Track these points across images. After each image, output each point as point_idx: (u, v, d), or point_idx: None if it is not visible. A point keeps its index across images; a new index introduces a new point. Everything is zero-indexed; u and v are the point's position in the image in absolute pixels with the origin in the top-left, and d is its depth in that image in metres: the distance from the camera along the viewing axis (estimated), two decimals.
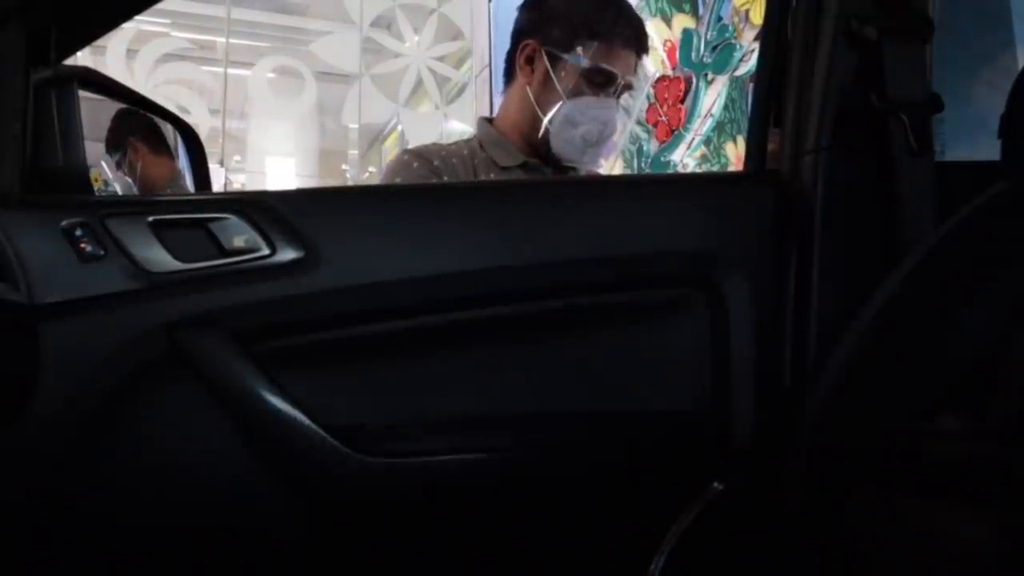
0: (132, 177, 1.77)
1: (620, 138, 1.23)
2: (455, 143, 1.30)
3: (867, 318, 0.65)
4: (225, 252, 0.71)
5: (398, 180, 1.19)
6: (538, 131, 1.19)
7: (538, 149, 1.21)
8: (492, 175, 1.20)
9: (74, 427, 0.69)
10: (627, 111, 1.26)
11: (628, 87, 1.20)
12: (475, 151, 1.24)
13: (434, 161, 1.20)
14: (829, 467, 0.66)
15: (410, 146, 1.29)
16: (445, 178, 1.19)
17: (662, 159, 3.79)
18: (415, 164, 1.20)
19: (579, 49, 1.16)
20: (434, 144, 1.29)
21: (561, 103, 1.16)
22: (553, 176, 1.22)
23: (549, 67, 1.17)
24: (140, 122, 1.79)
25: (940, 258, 0.63)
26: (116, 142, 1.76)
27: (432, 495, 0.74)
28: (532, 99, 1.19)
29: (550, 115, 1.17)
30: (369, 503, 0.74)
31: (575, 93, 1.16)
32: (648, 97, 3.83)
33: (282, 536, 0.74)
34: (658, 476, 0.76)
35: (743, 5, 3.41)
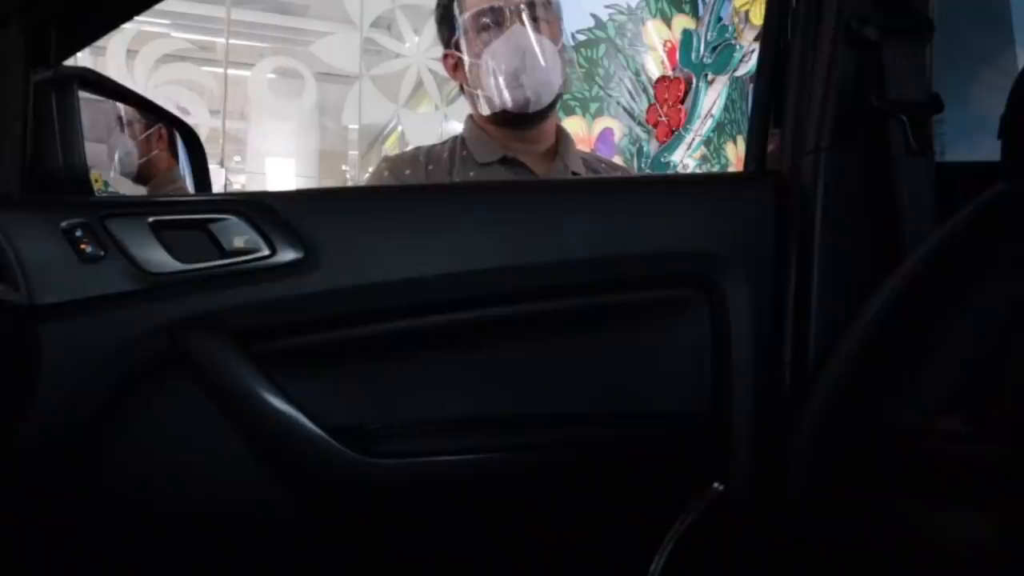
0: (142, 150, 1.81)
1: (558, 58, 1.19)
2: (441, 143, 1.32)
3: (867, 318, 0.65)
4: (225, 253, 0.71)
5: None
6: (493, 107, 1.21)
7: (506, 119, 1.22)
8: (472, 174, 1.22)
9: (74, 428, 0.69)
10: (543, 21, 1.20)
11: (521, 9, 1.18)
12: (456, 150, 1.26)
13: (405, 171, 1.23)
14: (829, 467, 0.66)
15: (409, 147, 1.31)
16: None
17: (662, 160, 3.80)
18: (385, 174, 1.24)
19: (457, 21, 1.21)
20: (415, 149, 1.31)
21: (480, 68, 1.19)
22: (533, 168, 1.24)
23: (460, 54, 1.23)
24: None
25: (940, 258, 0.63)
26: (151, 120, 1.79)
27: (432, 496, 0.74)
28: (473, 87, 1.23)
29: (483, 86, 1.20)
30: (369, 504, 0.74)
31: (480, 52, 1.19)
32: (648, 97, 3.83)
33: (282, 536, 0.74)
34: (658, 476, 0.76)
35: (743, 6, 3.42)
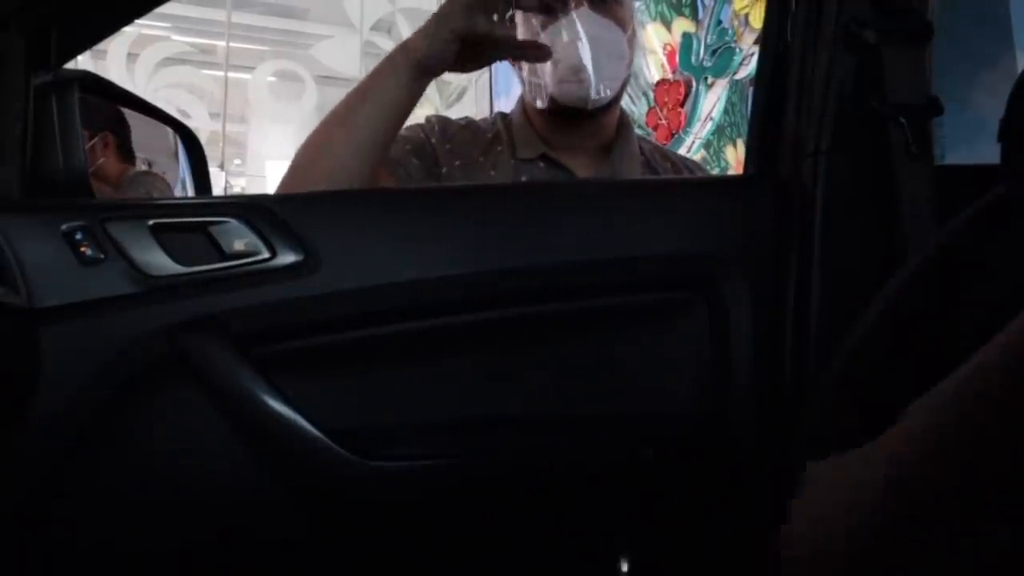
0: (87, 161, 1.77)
1: (626, 47, 1.04)
2: (491, 117, 1.20)
3: (867, 321, 0.65)
4: (225, 256, 0.71)
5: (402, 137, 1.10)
6: (545, 101, 1.08)
7: (559, 111, 1.08)
8: (511, 162, 1.12)
9: (74, 431, 0.69)
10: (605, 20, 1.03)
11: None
12: (500, 134, 1.15)
13: (431, 139, 1.13)
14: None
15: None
16: (439, 154, 1.12)
17: None
18: (436, 126, 1.14)
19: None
20: (466, 119, 1.19)
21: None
22: (576, 171, 1.14)
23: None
24: (123, 125, 1.79)
25: (940, 261, 0.63)
26: (94, 126, 1.75)
27: (433, 498, 0.74)
28: (524, 73, 1.11)
29: (535, 74, 1.07)
30: (370, 507, 0.74)
31: (536, 35, 1.03)
32: (648, 100, 3.83)
33: (282, 539, 0.74)
34: (658, 478, 0.75)
35: (743, 9, 3.42)
